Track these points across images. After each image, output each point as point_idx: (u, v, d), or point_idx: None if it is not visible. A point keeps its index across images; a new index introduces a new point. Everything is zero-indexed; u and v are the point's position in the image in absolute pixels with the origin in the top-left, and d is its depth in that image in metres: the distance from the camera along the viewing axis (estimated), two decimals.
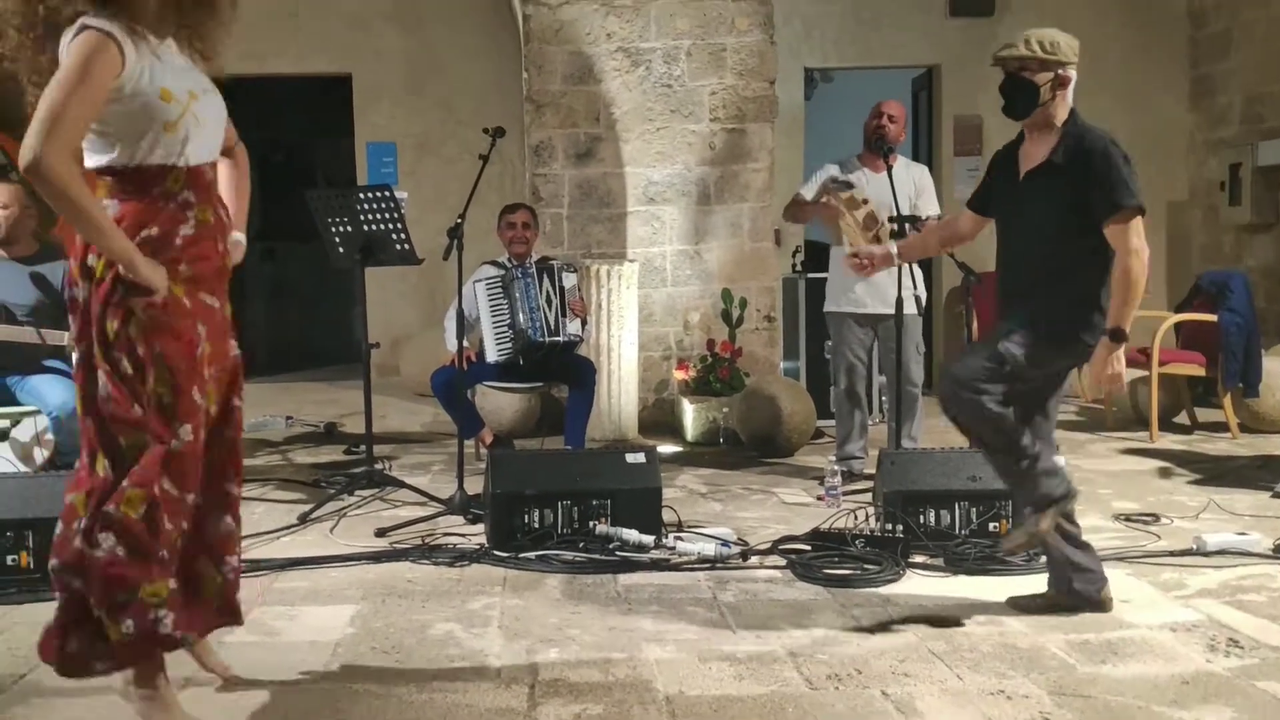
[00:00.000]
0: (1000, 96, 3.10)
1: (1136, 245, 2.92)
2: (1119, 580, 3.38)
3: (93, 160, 2.32)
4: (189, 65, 2.41)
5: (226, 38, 2.44)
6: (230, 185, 2.60)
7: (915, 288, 4.62)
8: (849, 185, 4.69)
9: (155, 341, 2.29)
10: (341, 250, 4.72)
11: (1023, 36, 3.07)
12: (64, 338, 4.32)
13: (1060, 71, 3.06)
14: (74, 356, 2.42)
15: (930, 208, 4.94)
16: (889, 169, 4.66)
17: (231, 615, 2.62)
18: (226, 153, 2.59)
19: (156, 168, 2.31)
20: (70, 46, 2.19)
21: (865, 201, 4.63)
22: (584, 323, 5.42)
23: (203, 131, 2.37)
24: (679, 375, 6.33)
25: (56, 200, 2.16)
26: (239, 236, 2.60)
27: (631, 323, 6.02)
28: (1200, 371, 6.07)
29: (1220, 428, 6.08)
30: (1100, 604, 3.14)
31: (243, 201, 2.65)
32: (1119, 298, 2.93)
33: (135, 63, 2.24)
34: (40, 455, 4.53)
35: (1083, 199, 2.97)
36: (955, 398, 3.01)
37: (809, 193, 4.97)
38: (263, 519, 4.34)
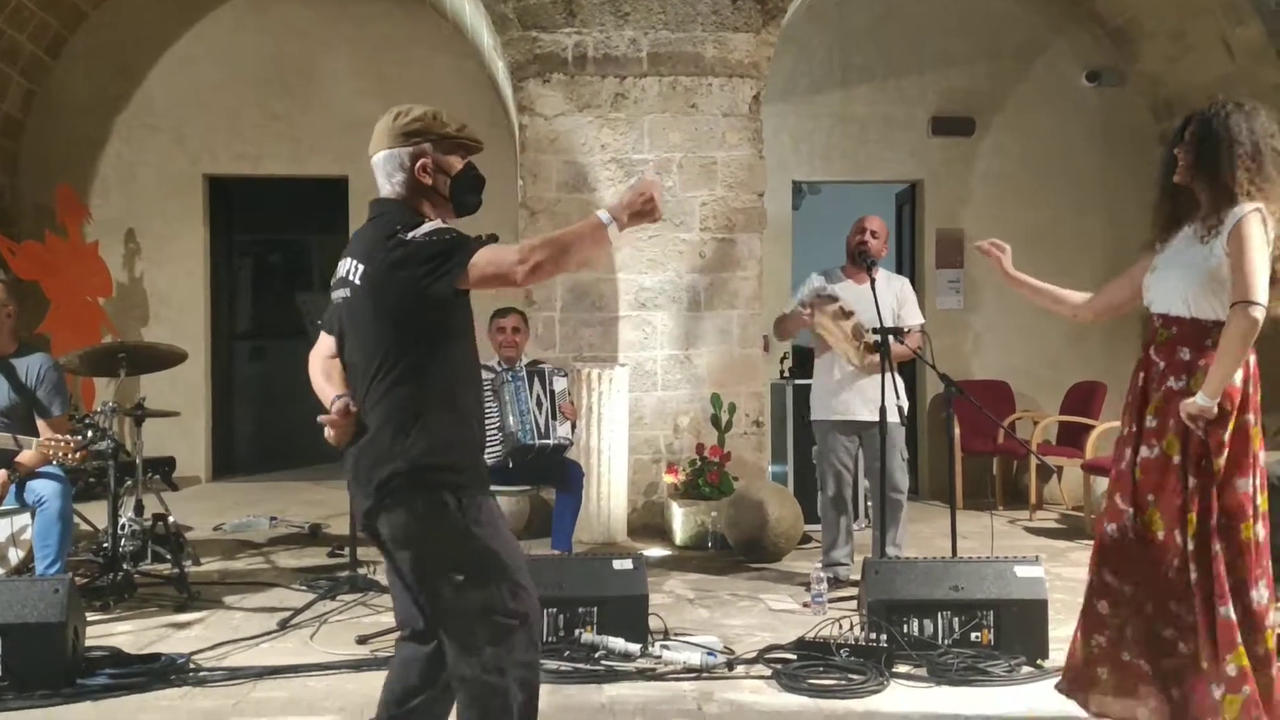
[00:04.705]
0: None
1: None
2: None
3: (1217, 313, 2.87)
4: None
5: None
6: None
7: (898, 397, 4.69)
8: (834, 298, 4.81)
9: None
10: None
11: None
12: (33, 442, 4.28)
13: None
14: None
15: (913, 318, 5.04)
16: (872, 282, 4.77)
17: None
18: None
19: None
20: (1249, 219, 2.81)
21: (851, 314, 4.73)
22: (574, 426, 5.45)
23: None
24: (668, 479, 6.34)
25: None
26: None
27: (622, 426, 6.07)
28: None
29: None
30: None
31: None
32: None
33: None
34: (15, 556, 4.47)
35: None
36: None
37: (791, 308, 5.08)
38: (242, 624, 4.30)
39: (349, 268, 2.42)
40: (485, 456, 5.32)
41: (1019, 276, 3.40)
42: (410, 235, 2.31)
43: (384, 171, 2.45)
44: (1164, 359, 2.97)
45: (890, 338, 4.63)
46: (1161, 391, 2.95)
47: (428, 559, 2.34)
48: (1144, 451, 2.95)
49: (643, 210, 2.31)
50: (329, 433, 2.44)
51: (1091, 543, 6.19)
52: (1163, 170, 3.03)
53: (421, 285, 2.29)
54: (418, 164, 2.43)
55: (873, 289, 4.73)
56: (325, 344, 2.58)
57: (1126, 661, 2.94)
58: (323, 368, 2.55)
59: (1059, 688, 3.11)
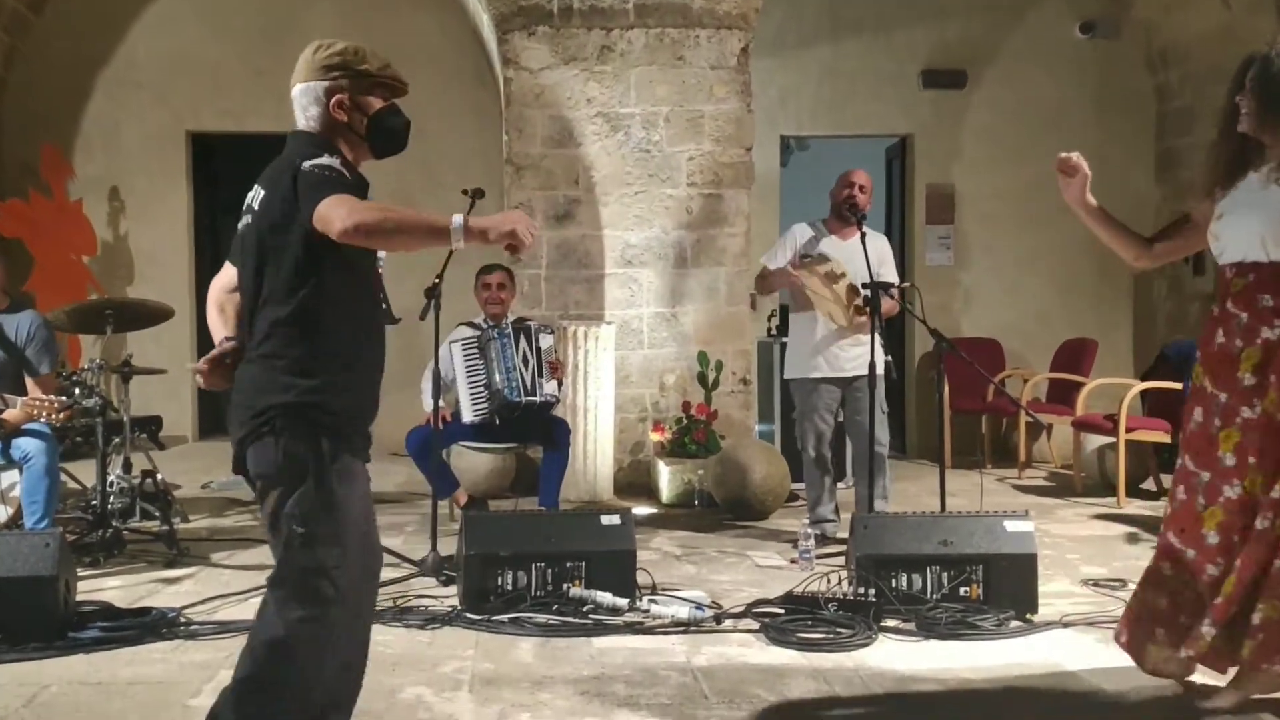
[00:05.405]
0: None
1: None
2: (1088, 646, 3.40)
3: None
4: None
5: None
6: None
7: (885, 353, 4.69)
8: (825, 259, 4.79)
9: None
10: None
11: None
12: (18, 401, 4.27)
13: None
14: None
15: (890, 276, 5.02)
16: (863, 236, 4.75)
17: None
18: None
19: None
20: None
21: (843, 274, 4.72)
22: (560, 383, 5.44)
23: None
24: (655, 437, 6.35)
25: None
26: None
27: (608, 384, 6.06)
28: (1166, 438, 6.15)
29: None
30: None
31: None
32: None
33: None
34: (4, 512, 4.48)
35: None
36: None
37: (773, 261, 5.06)
38: (231, 580, 4.30)
39: (253, 194, 2.40)
40: (471, 414, 5.34)
41: (1093, 204, 3.24)
42: (304, 164, 2.28)
43: (300, 105, 2.42)
44: (1244, 309, 2.86)
45: (881, 293, 4.61)
46: (1258, 345, 2.83)
47: (283, 500, 2.28)
48: (1245, 412, 2.83)
49: (498, 239, 2.26)
50: (198, 376, 2.41)
51: (1080, 500, 6.24)
52: (1223, 118, 2.95)
53: (299, 215, 2.24)
54: (333, 99, 2.38)
55: (863, 244, 4.71)
56: (226, 275, 2.51)
57: (1184, 623, 2.91)
58: (218, 300, 2.50)
59: (1118, 639, 3.08)
